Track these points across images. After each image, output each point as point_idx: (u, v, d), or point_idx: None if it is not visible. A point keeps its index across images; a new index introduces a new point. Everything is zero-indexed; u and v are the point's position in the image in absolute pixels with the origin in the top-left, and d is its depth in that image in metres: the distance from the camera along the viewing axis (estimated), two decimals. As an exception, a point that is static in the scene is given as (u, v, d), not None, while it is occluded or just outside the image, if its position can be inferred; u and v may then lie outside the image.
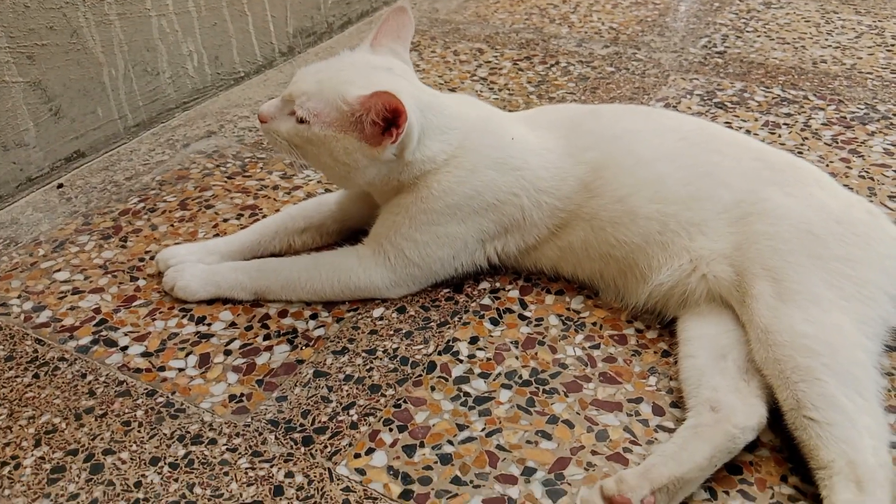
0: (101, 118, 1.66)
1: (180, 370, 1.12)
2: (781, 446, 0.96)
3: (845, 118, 1.70)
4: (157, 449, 0.99)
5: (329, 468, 0.96)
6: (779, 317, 0.98)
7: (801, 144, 1.60)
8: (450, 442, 0.99)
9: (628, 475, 0.86)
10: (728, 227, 1.10)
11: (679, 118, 1.30)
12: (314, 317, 1.21)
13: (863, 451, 0.87)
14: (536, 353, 1.12)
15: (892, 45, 2.05)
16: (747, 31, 2.18)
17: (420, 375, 1.09)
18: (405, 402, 1.05)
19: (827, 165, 1.52)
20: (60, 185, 1.58)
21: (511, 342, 1.15)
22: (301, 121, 1.12)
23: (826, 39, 2.11)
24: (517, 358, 1.12)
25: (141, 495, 0.93)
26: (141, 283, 1.30)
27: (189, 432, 1.02)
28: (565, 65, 2.03)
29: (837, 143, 1.61)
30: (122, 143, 1.72)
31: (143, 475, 0.96)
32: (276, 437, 1.00)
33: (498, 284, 1.27)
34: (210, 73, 1.89)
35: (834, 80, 1.87)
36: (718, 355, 1.02)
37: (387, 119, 1.08)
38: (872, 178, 1.48)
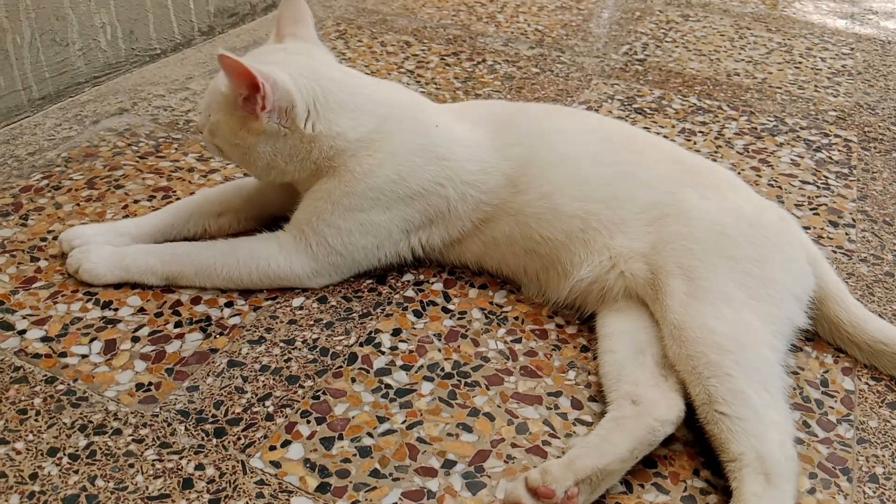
0: (3, 88, 1.55)
1: (83, 356, 1.06)
2: (694, 441, 0.99)
3: (756, 129, 1.77)
4: (55, 439, 0.93)
5: (242, 460, 0.92)
6: (691, 314, 1.01)
7: (715, 152, 1.66)
8: (369, 434, 0.97)
9: (553, 466, 0.86)
10: (646, 226, 1.13)
11: (602, 119, 1.32)
12: (230, 304, 1.17)
13: (770, 445, 0.90)
14: (459, 347, 1.12)
15: (800, 63, 2.15)
16: (666, 42, 2.25)
17: (340, 367, 1.07)
18: (324, 393, 1.03)
19: (739, 173, 1.58)
20: (-47, 158, 1.47)
21: (434, 335, 1.14)
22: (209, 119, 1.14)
23: (739, 53, 2.19)
24: (440, 350, 1.11)
25: (37, 487, 0.87)
26: (42, 263, 1.22)
27: (92, 422, 0.96)
28: (492, 63, 2.04)
29: (748, 152, 1.68)
30: (26, 115, 1.61)
31: (39, 466, 0.90)
32: (187, 429, 0.96)
33: (422, 277, 1.25)
34: (124, 48, 1.80)
35: (746, 93, 1.95)
36: (637, 350, 1.04)
37: (253, 90, 1.08)
38: (780, 187, 1.55)
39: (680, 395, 0.98)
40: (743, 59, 2.15)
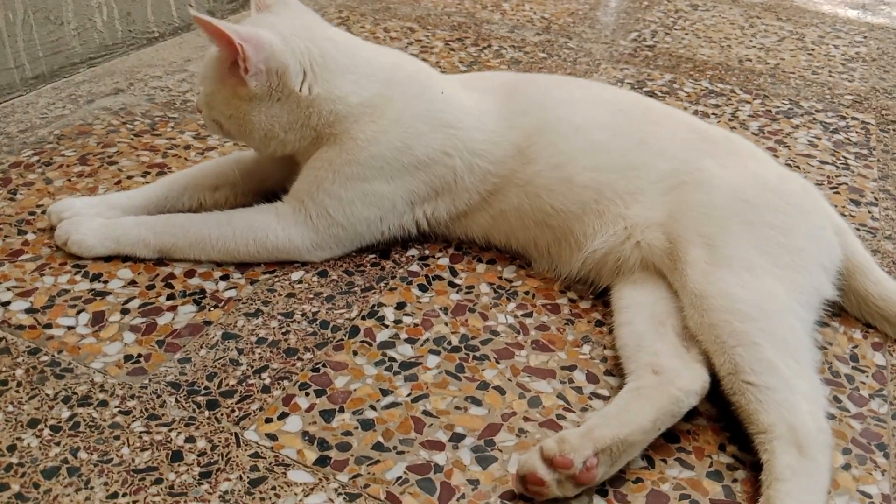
0: (-6, 65, 1.51)
1: (69, 328, 1.00)
2: (718, 416, 0.93)
3: (770, 111, 1.72)
4: (37, 410, 0.87)
5: (236, 433, 0.86)
6: (713, 282, 0.95)
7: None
8: (372, 407, 0.91)
9: (570, 435, 0.80)
10: (663, 195, 1.07)
11: (616, 91, 1.27)
12: (225, 278, 1.11)
13: (802, 416, 0.84)
14: (467, 320, 1.06)
15: (813, 50, 2.10)
16: (675, 29, 2.20)
17: (341, 340, 1.01)
18: (324, 366, 0.97)
19: (755, 153, 1.52)
20: (-59, 134, 1.42)
21: (440, 308, 1.08)
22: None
23: (750, 41, 2.15)
24: (446, 324, 1.05)
25: (14, 460, 0.81)
26: (30, 237, 1.17)
27: (76, 393, 0.90)
28: (497, 48, 1.99)
29: (764, 133, 1.62)
30: (18, 94, 1.56)
31: (18, 438, 0.84)
32: (177, 400, 0.90)
33: (427, 252, 1.19)
34: (121, 30, 1.75)
35: (759, 77, 1.90)
36: (656, 322, 0.98)
37: (233, 52, 1.03)
38: (799, 167, 1.49)
39: (704, 366, 0.92)
40: (754, 46, 2.10)
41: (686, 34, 2.17)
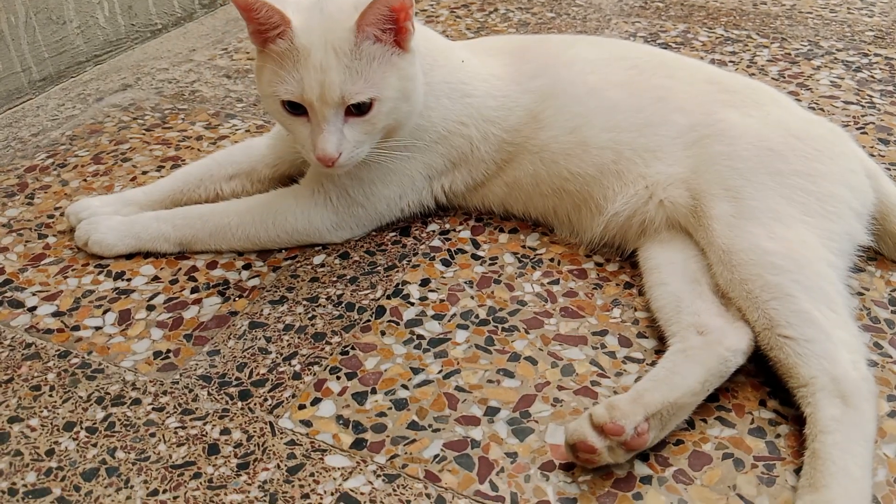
0: (1, 70, 1.50)
1: (97, 329, 1.00)
2: (757, 371, 0.91)
3: (790, 55, 1.67)
4: (71, 413, 0.88)
5: (270, 422, 0.86)
6: (740, 235, 0.93)
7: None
8: (404, 386, 0.90)
9: (620, 401, 0.79)
10: (684, 150, 1.04)
11: (628, 46, 1.24)
12: (247, 267, 1.10)
13: (843, 366, 0.82)
14: (493, 292, 1.04)
15: (829, -13, 2.03)
16: (686, -23, 2.14)
17: (368, 321, 1.00)
18: (353, 348, 0.96)
19: (776, 98, 1.48)
20: (-44, 144, 1.42)
21: (465, 282, 1.06)
22: (367, 106, 0.97)
23: (764, -17, 2.08)
24: (472, 298, 1.04)
25: (54, 464, 0.82)
26: (51, 240, 1.17)
27: (109, 393, 0.90)
28: (504, 11, 1.95)
29: (784, 77, 1.57)
30: (28, 98, 1.56)
31: (55, 442, 0.84)
32: (209, 393, 0.90)
33: (448, 226, 1.18)
34: (124, 25, 1.74)
35: (775, 20, 1.84)
36: (691, 280, 0.96)
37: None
38: (823, 109, 1.45)
39: (745, 322, 0.90)
40: (768, -12, 2.04)
41: (697, -19, 2.11)
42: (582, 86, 1.11)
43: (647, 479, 0.79)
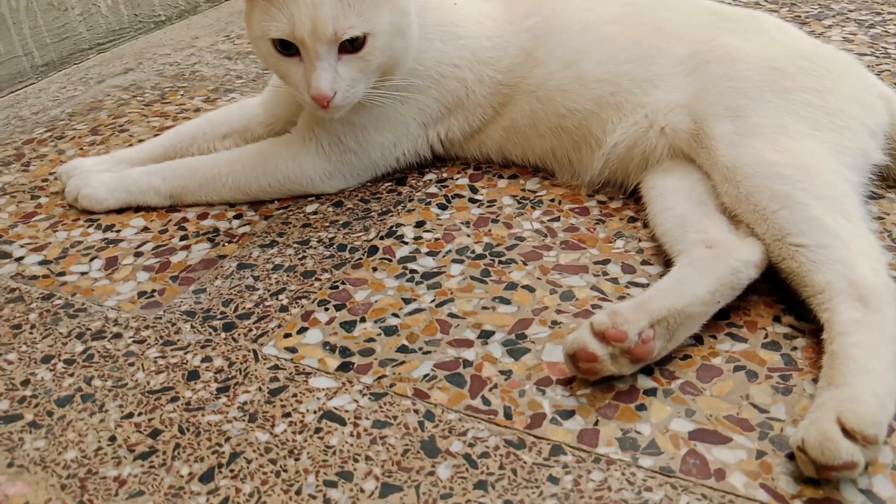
0: (3, 53, 1.51)
1: (83, 274, 0.97)
2: (770, 291, 0.85)
3: (800, 17, 1.63)
4: (50, 348, 0.84)
5: (254, 349, 0.82)
6: (744, 151, 0.88)
7: (758, 39, 1.52)
8: (395, 315, 0.86)
9: (623, 307, 0.74)
10: (684, 77, 1.00)
11: (624, -16, 1.19)
12: (238, 217, 1.07)
13: (861, 270, 0.76)
14: (490, 231, 1.00)
15: (839, -41, 2.00)
16: (692, -42, 2.12)
17: (360, 259, 0.96)
18: (343, 283, 0.92)
19: (786, 53, 1.43)
20: (-44, 123, 1.42)
21: (461, 223, 1.02)
22: (361, 42, 0.94)
23: (772, -41, 2.05)
24: (469, 236, 0.99)
25: (28, 392, 0.78)
26: (43, 200, 1.15)
27: (90, 329, 0.87)
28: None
29: (794, 36, 1.53)
30: (30, 82, 1.57)
31: (32, 373, 0.81)
32: (193, 326, 0.86)
33: (445, 175, 1.14)
34: (126, 14, 1.75)
35: (784, -11, 1.80)
36: (698, 202, 0.91)
37: None
38: (834, 60, 1.40)
39: (756, 238, 0.84)
40: (776, -37, 2.01)
41: (703, -39, 2.08)
42: (577, 22, 1.08)
43: (651, 392, 0.73)
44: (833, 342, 0.71)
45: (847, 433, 0.61)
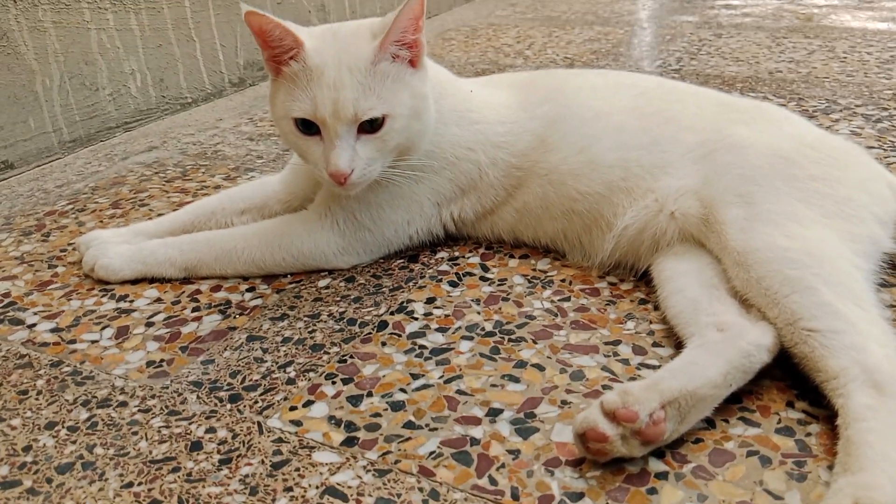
0: (33, 129, 1.56)
1: (93, 342, 0.98)
2: (783, 376, 0.84)
3: (807, 111, 1.67)
4: (55, 414, 0.84)
5: (259, 422, 0.81)
6: (754, 237, 0.89)
7: (767, 131, 1.55)
8: (402, 390, 0.85)
9: (634, 387, 0.73)
10: (693, 165, 1.02)
11: (636, 77, 1.23)
12: (251, 290, 1.08)
13: (875, 357, 0.75)
14: (500, 308, 1.00)
15: (845, 58, 2.06)
16: (701, 55, 2.19)
17: (370, 333, 0.96)
18: (351, 357, 0.92)
19: (795, 144, 1.46)
20: (-17, 194, 1.46)
21: (472, 300, 1.03)
22: (379, 123, 0.98)
23: (779, 56, 2.11)
24: (479, 313, 0.99)
25: (29, 458, 0.77)
26: (60, 269, 1.17)
27: (96, 397, 0.86)
28: (522, 84, 1.99)
29: (803, 128, 1.56)
30: (57, 157, 1.61)
31: (34, 440, 0.80)
32: (199, 397, 0.86)
33: (457, 253, 1.15)
34: (154, 95, 1.82)
35: (791, 84, 1.86)
36: (708, 285, 0.91)
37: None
38: (843, 152, 1.42)
39: (768, 322, 0.84)
40: (784, 60, 2.07)
41: (712, 57, 2.15)
42: (589, 110, 1.11)
43: (662, 475, 0.71)
44: (848, 428, 0.70)
45: (865, 521, 0.59)
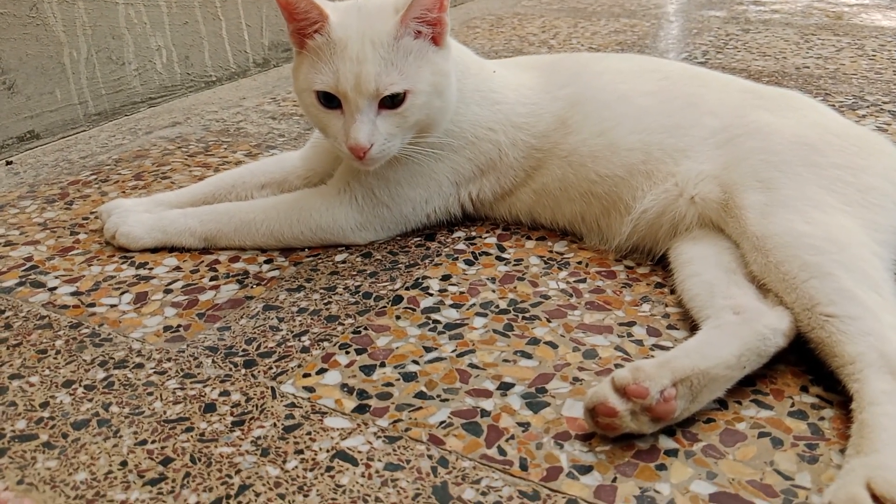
0: (60, 100, 1.58)
1: (112, 306, 0.99)
2: (798, 361, 0.83)
3: (835, 106, 1.65)
4: (73, 373, 0.85)
5: (272, 387, 0.82)
6: (774, 222, 0.88)
7: (791, 124, 1.54)
8: (415, 362, 0.85)
9: (646, 364, 0.72)
10: (715, 149, 1.01)
11: (660, 62, 1.22)
12: (269, 262, 1.09)
13: (893, 344, 0.74)
14: (515, 287, 1.00)
15: (874, 56, 2.03)
16: (727, 49, 2.17)
17: (384, 307, 0.97)
18: (366, 329, 0.92)
19: (819, 138, 1.44)
20: (9, 163, 1.48)
21: (487, 279, 1.03)
22: (401, 98, 0.98)
23: (807, 53, 2.09)
24: (493, 291, 1.00)
25: (46, 414, 0.79)
26: (82, 236, 1.18)
27: (113, 358, 0.88)
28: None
29: (828, 122, 1.54)
30: (82, 129, 1.63)
31: (52, 396, 0.81)
32: (214, 361, 0.87)
33: (474, 233, 1.15)
34: (179, 72, 1.83)
35: (819, 80, 1.83)
36: (726, 269, 0.91)
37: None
38: (868, 147, 1.40)
39: (785, 307, 0.83)
40: (811, 56, 2.05)
41: (738, 51, 2.13)
42: (611, 93, 1.11)
43: (672, 452, 0.71)
44: (863, 411, 0.69)
45: (876, 499, 0.59)
